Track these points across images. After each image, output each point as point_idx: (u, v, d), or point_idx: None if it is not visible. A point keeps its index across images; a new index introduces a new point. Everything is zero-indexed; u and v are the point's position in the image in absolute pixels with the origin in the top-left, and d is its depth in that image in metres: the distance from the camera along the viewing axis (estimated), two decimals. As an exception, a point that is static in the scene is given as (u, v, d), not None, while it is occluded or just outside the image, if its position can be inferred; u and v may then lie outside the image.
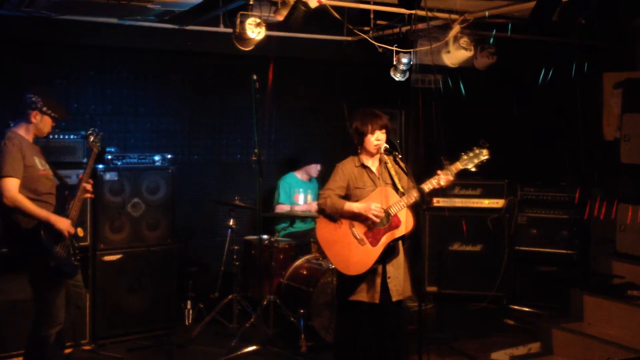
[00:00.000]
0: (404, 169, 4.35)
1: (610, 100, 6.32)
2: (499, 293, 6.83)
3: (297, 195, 6.67)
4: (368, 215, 4.17)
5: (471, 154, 4.27)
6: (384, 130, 4.31)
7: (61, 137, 5.42)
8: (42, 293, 4.27)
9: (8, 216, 4.20)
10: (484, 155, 4.26)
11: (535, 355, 5.57)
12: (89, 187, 4.48)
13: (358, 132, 4.33)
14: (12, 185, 4.12)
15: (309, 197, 6.71)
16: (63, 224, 4.23)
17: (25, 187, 4.19)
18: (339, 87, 7.28)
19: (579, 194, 6.63)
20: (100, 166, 5.59)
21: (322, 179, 6.39)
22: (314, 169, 6.72)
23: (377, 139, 4.29)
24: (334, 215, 4.25)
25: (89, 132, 4.68)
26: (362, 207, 4.19)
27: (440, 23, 6.04)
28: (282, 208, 6.58)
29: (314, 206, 6.50)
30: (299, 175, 6.76)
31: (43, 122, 4.37)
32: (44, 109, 4.32)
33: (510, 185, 6.98)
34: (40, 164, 4.34)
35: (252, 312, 5.79)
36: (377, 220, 4.18)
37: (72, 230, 4.29)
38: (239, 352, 5.32)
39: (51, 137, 5.24)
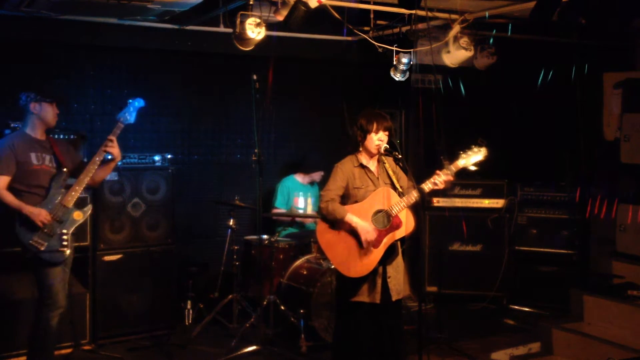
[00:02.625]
0: (405, 168, 4.35)
1: (610, 100, 6.32)
2: (499, 293, 6.82)
3: (297, 198, 6.66)
4: (361, 238, 4.17)
5: (470, 153, 4.30)
6: (387, 132, 4.32)
7: (61, 137, 5.41)
8: (40, 278, 4.45)
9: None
10: (482, 153, 4.30)
11: (535, 355, 5.57)
12: (113, 138, 4.64)
13: (362, 130, 4.32)
14: (1, 182, 4.38)
15: (309, 200, 6.71)
16: (35, 215, 4.36)
17: (17, 181, 4.44)
18: (339, 87, 7.27)
19: (579, 193, 6.63)
20: (100, 166, 5.59)
21: (322, 182, 6.39)
22: (319, 175, 6.71)
23: (379, 139, 4.30)
24: (334, 222, 4.26)
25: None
26: (361, 227, 4.18)
27: (440, 23, 6.04)
28: (278, 212, 6.58)
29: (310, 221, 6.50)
30: (300, 178, 6.74)
31: (44, 110, 4.57)
32: (38, 97, 4.54)
33: (510, 185, 6.98)
34: (36, 159, 4.51)
35: (252, 312, 5.80)
36: (364, 244, 4.18)
37: (45, 220, 4.36)
38: (239, 352, 5.32)
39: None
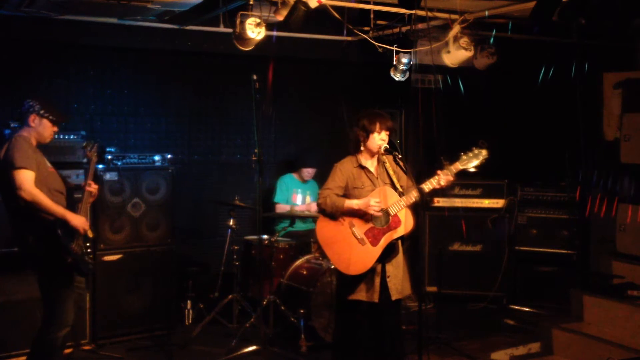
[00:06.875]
0: (404, 168, 4.36)
1: (610, 100, 6.32)
2: (499, 293, 6.82)
3: (295, 195, 6.68)
4: (368, 211, 4.18)
5: (470, 154, 4.29)
6: (388, 132, 4.33)
7: (61, 137, 5.41)
8: (53, 294, 4.21)
9: (21, 212, 4.11)
10: (483, 155, 4.29)
11: (535, 355, 5.57)
12: (94, 190, 4.46)
13: (364, 130, 4.33)
14: (28, 177, 4.03)
15: (307, 197, 6.72)
16: (79, 220, 4.20)
17: (37, 183, 4.09)
18: (339, 87, 7.28)
19: (579, 193, 6.63)
20: (100, 166, 5.58)
21: (321, 180, 6.39)
22: (306, 172, 6.70)
23: (381, 138, 4.31)
24: (334, 214, 4.26)
25: (85, 143, 4.63)
26: (361, 203, 4.21)
27: (440, 23, 6.04)
28: (279, 207, 6.58)
29: (313, 207, 6.50)
30: (297, 176, 6.77)
31: (42, 126, 4.28)
32: (42, 112, 4.25)
33: (510, 185, 6.98)
34: (48, 162, 4.32)
35: (252, 312, 5.80)
36: (378, 214, 4.19)
37: (87, 227, 4.26)
38: (239, 352, 5.32)
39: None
